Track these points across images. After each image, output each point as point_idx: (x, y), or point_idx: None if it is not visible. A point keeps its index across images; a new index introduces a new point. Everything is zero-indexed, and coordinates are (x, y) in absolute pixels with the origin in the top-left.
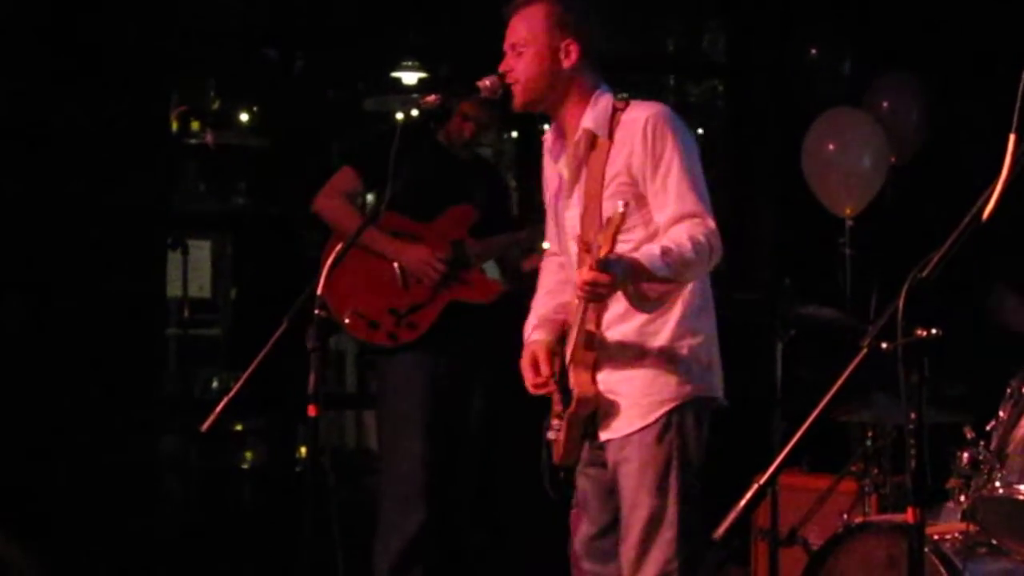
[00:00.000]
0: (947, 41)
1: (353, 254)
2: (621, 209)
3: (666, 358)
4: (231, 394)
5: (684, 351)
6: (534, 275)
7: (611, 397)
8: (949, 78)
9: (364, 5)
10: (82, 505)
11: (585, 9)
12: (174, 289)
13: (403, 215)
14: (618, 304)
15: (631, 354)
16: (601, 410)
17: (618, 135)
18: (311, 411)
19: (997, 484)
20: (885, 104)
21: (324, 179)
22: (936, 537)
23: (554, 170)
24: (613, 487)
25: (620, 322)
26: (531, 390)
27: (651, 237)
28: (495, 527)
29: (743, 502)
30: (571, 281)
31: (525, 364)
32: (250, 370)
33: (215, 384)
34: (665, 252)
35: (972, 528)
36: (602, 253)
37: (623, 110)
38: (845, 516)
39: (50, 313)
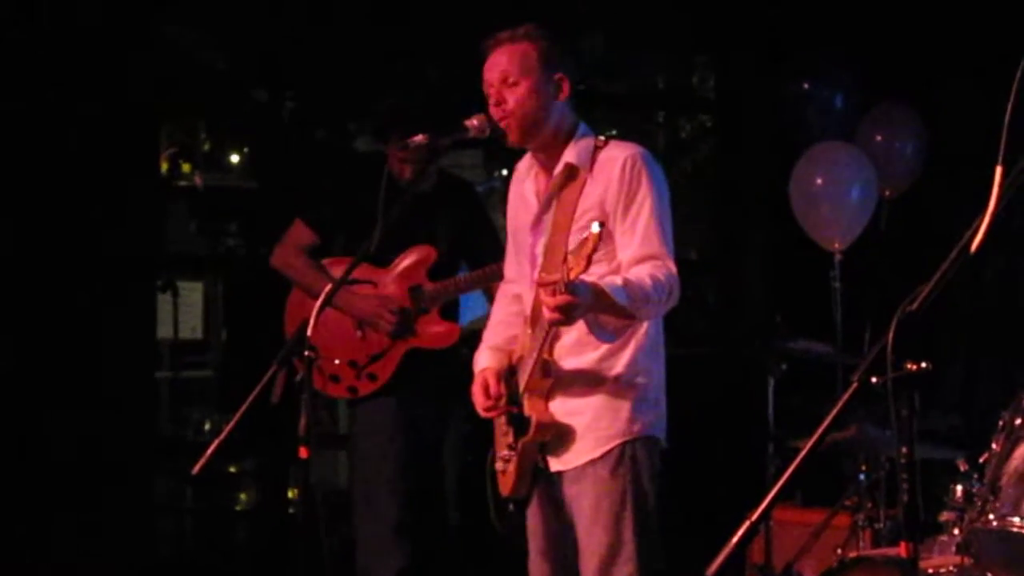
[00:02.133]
0: (940, 74)
1: (309, 305)
2: (597, 230)
3: (619, 392)
4: (222, 436)
5: (637, 389)
6: None
7: (564, 424)
8: (943, 111)
9: (353, 46)
10: (77, 548)
11: (567, 45)
12: (165, 331)
13: (362, 260)
14: (570, 334)
15: (585, 384)
16: (552, 439)
17: (595, 171)
18: (302, 453)
19: (991, 517)
20: (879, 137)
21: None
22: (931, 571)
23: (522, 198)
24: (567, 523)
25: (573, 352)
26: (483, 414)
27: (613, 273)
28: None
29: (735, 538)
30: (523, 313)
31: (476, 390)
32: (240, 412)
33: (207, 426)
34: (627, 284)
35: (966, 561)
36: (573, 274)
37: (603, 148)
38: (839, 551)
39: (41, 354)
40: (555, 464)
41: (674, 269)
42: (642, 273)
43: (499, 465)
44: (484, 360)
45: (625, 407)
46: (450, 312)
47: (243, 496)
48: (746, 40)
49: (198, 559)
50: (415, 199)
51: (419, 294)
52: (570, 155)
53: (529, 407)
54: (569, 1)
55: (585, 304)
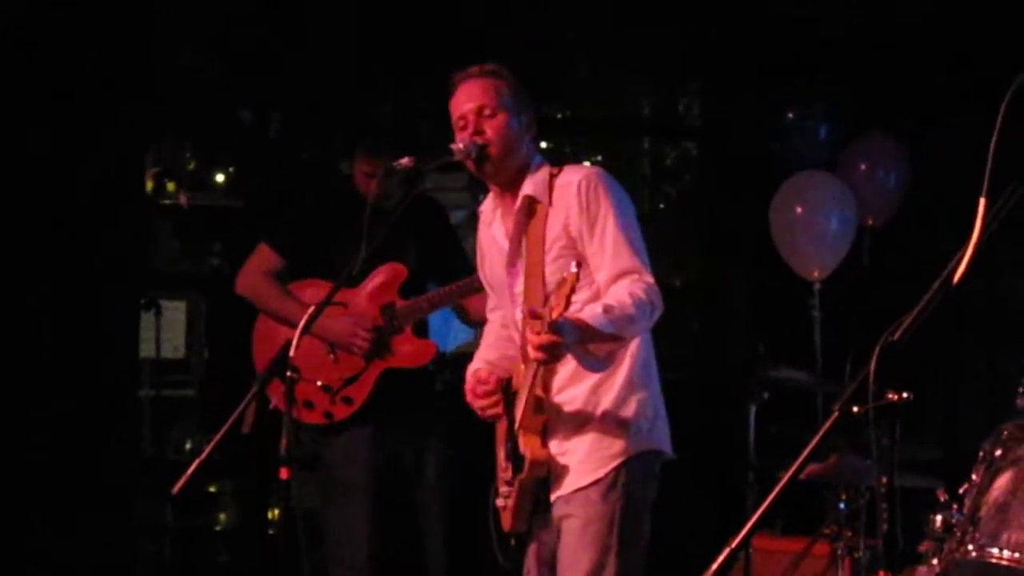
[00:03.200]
0: (924, 105)
1: (279, 331)
2: (574, 270)
3: (613, 417)
4: (202, 456)
5: (632, 408)
6: None
7: (562, 460)
8: (926, 141)
9: (339, 66)
10: (57, 568)
11: (530, 87)
12: (147, 350)
13: (328, 281)
14: (565, 368)
15: (581, 418)
16: (553, 473)
17: (554, 200)
18: (283, 473)
19: (970, 547)
20: (862, 166)
21: None
22: None
23: (493, 243)
24: (554, 550)
25: (570, 385)
26: (480, 411)
27: (595, 296)
28: None
29: (715, 565)
30: (513, 339)
31: (469, 388)
32: (221, 432)
33: (188, 445)
34: (608, 310)
35: None
36: (555, 314)
37: (557, 175)
38: None
39: (22, 371)
40: (554, 492)
41: (651, 280)
42: (621, 293)
43: (499, 501)
44: (476, 366)
45: (621, 430)
46: (422, 330)
47: (223, 516)
48: (732, 69)
49: None
50: (383, 217)
51: (392, 312)
52: (527, 188)
53: (524, 444)
54: (556, 27)
55: (570, 341)
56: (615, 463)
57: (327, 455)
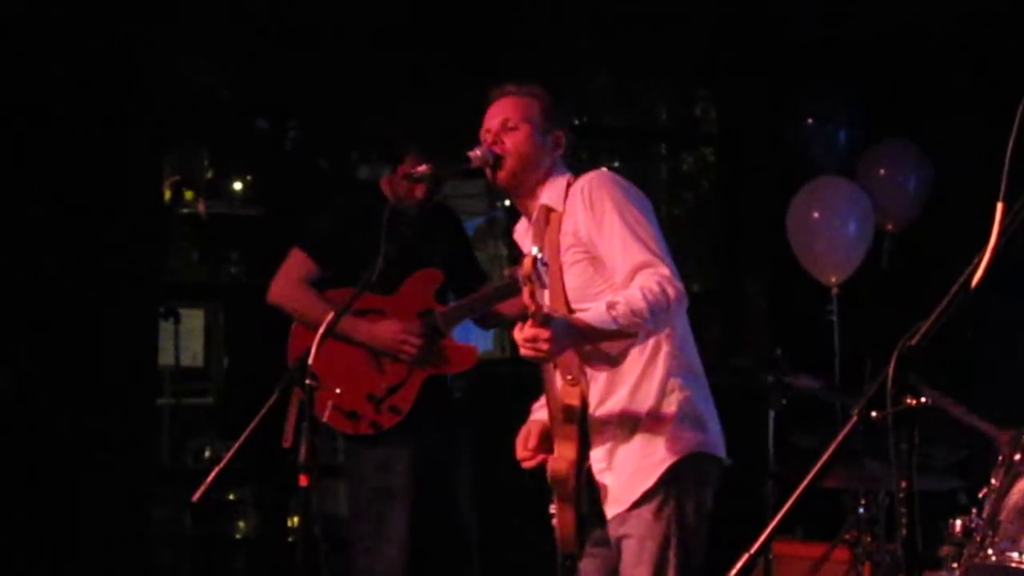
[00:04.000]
0: (943, 109)
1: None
2: (538, 254)
3: (656, 419)
4: (222, 464)
5: (673, 407)
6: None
7: (612, 474)
8: (945, 146)
9: (356, 75)
10: (75, 574)
11: (566, 108)
12: (166, 358)
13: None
14: (598, 381)
15: (624, 426)
16: (603, 488)
17: (567, 206)
18: (303, 480)
19: (990, 552)
20: (882, 171)
21: None
22: None
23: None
24: (616, 567)
25: (608, 395)
26: (521, 464)
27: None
28: None
29: (734, 571)
30: None
31: (520, 440)
32: (241, 440)
33: (208, 453)
34: (611, 306)
35: None
36: (532, 309)
37: (572, 183)
38: None
39: (41, 383)
40: (608, 510)
41: (666, 270)
42: (633, 288)
43: (554, 521)
44: (538, 412)
45: (666, 430)
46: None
47: (243, 524)
48: (749, 75)
49: None
50: (409, 225)
51: (431, 318)
52: (544, 197)
53: (553, 452)
54: (573, 35)
55: (560, 337)
56: (662, 468)
57: (361, 465)
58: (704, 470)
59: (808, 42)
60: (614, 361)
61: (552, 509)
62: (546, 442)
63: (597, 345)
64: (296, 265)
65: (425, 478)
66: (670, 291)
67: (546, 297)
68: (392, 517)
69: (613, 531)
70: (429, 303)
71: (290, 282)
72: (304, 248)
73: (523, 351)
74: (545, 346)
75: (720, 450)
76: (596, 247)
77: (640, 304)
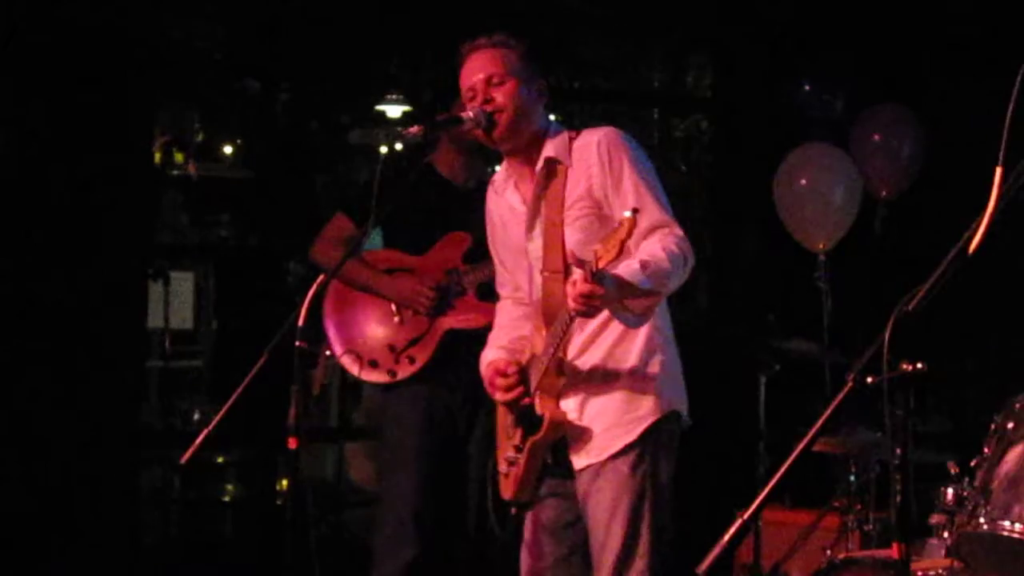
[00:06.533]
0: (939, 74)
1: (348, 294)
2: (630, 215)
3: (639, 378)
4: (210, 427)
5: (656, 368)
6: None
7: (583, 423)
8: (941, 111)
9: (348, 38)
10: (62, 537)
11: (541, 55)
12: (156, 320)
13: (398, 249)
14: (583, 331)
15: (602, 378)
16: (572, 437)
17: (574, 161)
18: (292, 444)
19: (981, 520)
20: (876, 137)
21: (307, 211)
22: (920, 573)
23: (509, 210)
24: (572, 520)
25: (589, 346)
26: (501, 397)
27: (627, 254)
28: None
29: (727, 536)
30: (528, 317)
31: (488, 380)
32: (229, 403)
33: (196, 416)
34: (644, 265)
35: (956, 564)
36: (601, 263)
37: (576, 138)
38: (828, 552)
39: (30, 342)
40: (579, 461)
41: (681, 232)
42: (655, 248)
43: (502, 467)
44: (491, 355)
45: (648, 390)
46: (488, 296)
47: (231, 487)
48: (744, 40)
49: (185, 549)
50: (457, 195)
51: (455, 276)
52: (549, 150)
53: (541, 406)
54: None
55: (610, 295)
56: (646, 424)
57: (383, 419)
58: (675, 431)
59: (804, 7)
60: (637, 319)
61: (509, 458)
62: (523, 379)
63: (625, 302)
64: (336, 227)
65: (440, 437)
66: (687, 253)
67: (538, 249)
68: (402, 469)
69: (584, 483)
70: (456, 263)
71: (330, 243)
72: (345, 210)
73: (573, 305)
74: (598, 303)
75: (685, 408)
76: (609, 204)
77: (667, 265)
